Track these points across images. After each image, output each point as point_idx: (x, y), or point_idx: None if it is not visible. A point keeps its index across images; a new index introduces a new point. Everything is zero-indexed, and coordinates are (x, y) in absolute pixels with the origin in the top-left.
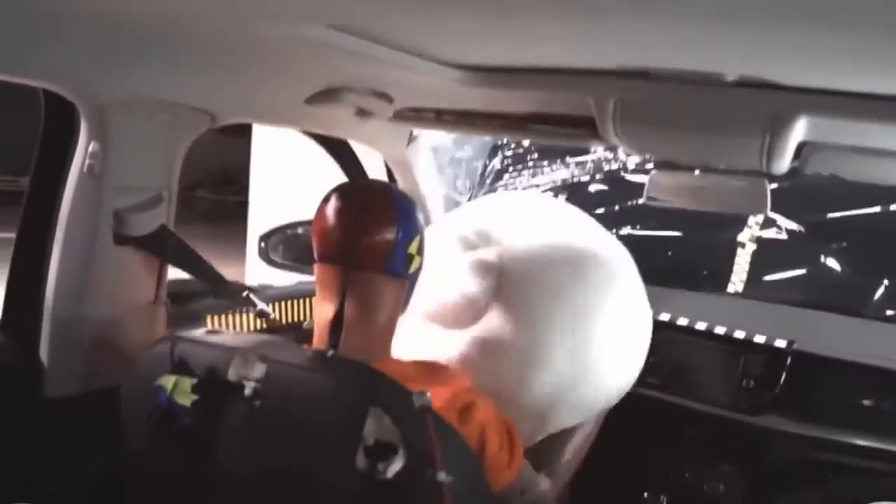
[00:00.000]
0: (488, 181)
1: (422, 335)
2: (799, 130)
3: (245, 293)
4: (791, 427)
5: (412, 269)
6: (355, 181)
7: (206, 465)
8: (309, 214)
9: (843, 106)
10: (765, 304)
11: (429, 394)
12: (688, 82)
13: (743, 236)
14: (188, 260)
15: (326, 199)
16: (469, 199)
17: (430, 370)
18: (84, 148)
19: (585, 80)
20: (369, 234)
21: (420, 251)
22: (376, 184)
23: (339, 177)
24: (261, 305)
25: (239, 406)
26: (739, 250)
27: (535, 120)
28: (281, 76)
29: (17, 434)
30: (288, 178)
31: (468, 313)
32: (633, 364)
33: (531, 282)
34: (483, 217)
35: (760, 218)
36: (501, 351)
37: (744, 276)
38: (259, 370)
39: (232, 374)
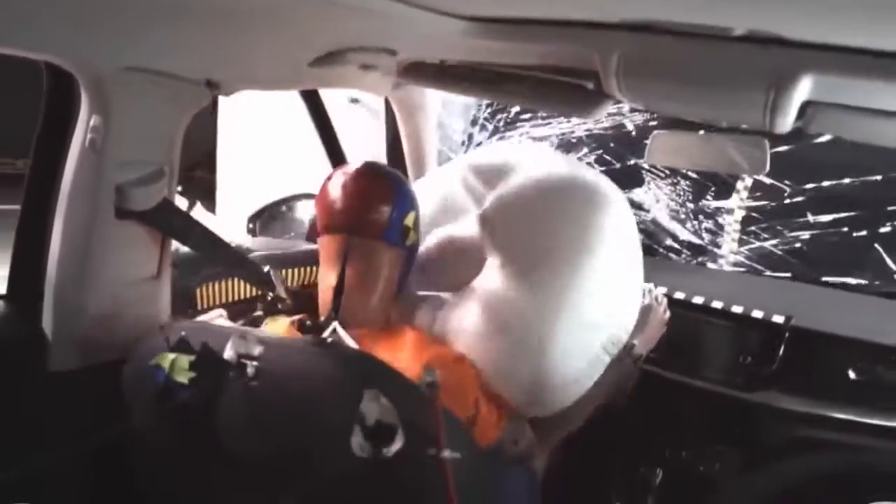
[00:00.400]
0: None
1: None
2: (803, 88)
3: (266, 269)
4: (788, 403)
5: (409, 242)
6: (354, 164)
7: (205, 442)
8: (277, 189)
9: (849, 64)
10: (761, 279)
11: (437, 372)
12: (693, 36)
13: (731, 202)
14: (193, 234)
15: (329, 178)
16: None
17: (420, 340)
18: (85, 122)
19: (589, 33)
20: (368, 204)
21: (415, 227)
22: (373, 164)
23: (297, 156)
24: (279, 288)
25: (235, 384)
26: (727, 217)
27: (537, 72)
28: (285, 41)
29: (20, 407)
30: (253, 155)
31: (470, 270)
32: (631, 304)
33: (518, 224)
34: (478, 167)
35: (749, 182)
36: (496, 300)
37: (734, 245)
38: (256, 350)
39: (229, 353)
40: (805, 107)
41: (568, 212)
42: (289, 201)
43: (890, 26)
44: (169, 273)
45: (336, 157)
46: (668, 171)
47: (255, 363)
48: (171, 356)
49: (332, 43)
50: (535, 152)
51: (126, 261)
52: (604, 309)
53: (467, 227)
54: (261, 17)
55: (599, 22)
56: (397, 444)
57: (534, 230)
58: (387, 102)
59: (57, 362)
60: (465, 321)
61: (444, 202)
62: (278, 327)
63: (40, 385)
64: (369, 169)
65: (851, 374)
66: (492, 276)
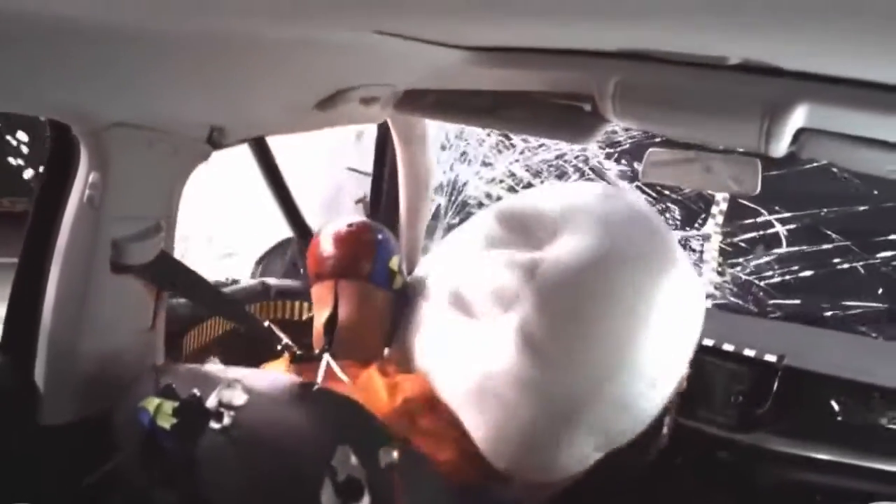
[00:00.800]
0: None
1: (446, 318)
2: (798, 117)
3: (266, 323)
4: (781, 445)
5: (396, 286)
6: (338, 219)
7: (185, 490)
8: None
9: (843, 94)
10: (754, 319)
11: (395, 452)
12: (689, 65)
13: (707, 228)
14: (192, 288)
15: (318, 234)
16: None
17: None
18: (84, 178)
19: (586, 60)
20: (353, 250)
21: (401, 271)
22: (356, 217)
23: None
24: (285, 339)
25: (215, 434)
26: (706, 244)
27: (533, 111)
28: (286, 87)
29: (10, 460)
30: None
31: (497, 305)
32: (675, 378)
33: (568, 297)
34: (533, 206)
35: (725, 206)
36: (526, 345)
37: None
38: (241, 399)
39: (212, 401)
40: (799, 133)
41: (625, 288)
42: (287, 243)
43: (882, 59)
44: (163, 324)
45: (290, 209)
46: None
47: (232, 413)
48: (157, 401)
49: (334, 84)
50: (592, 199)
51: (121, 313)
52: (644, 389)
53: (506, 268)
54: (261, 64)
55: (596, 50)
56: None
57: (585, 308)
58: (379, 130)
59: (49, 415)
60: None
61: (487, 238)
62: (277, 364)
63: (31, 437)
64: (352, 221)
65: (843, 414)
66: (524, 338)
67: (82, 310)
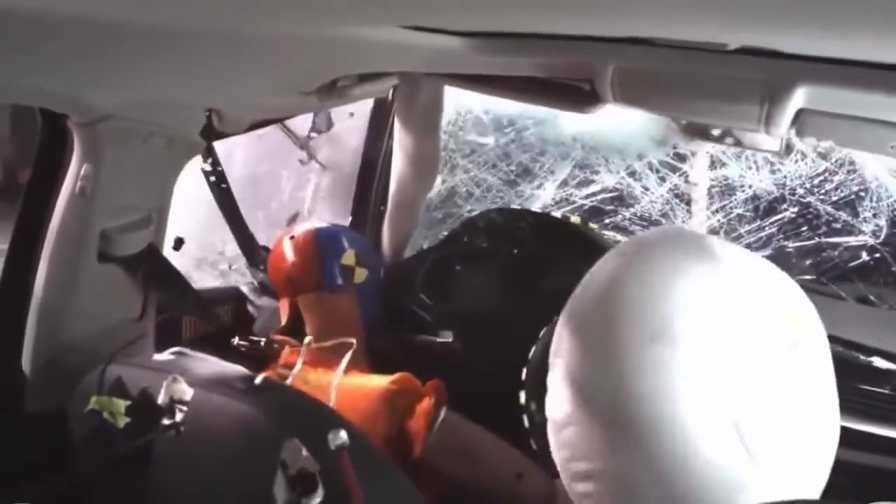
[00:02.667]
0: None
1: None
2: (797, 99)
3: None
4: None
5: (358, 280)
6: (280, 234)
7: (142, 490)
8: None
9: (842, 75)
10: None
11: (343, 432)
12: (687, 49)
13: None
14: (169, 285)
15: (271, 251)
16: None
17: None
18: (76, 169)
19: (585, 45)
20: (295, 265)
21: (360, 262)
22: (296, 228)
23: None
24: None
25: (167, 430)
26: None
27: (534, 82)
28: (284, 75)
29: None
30: None
31: None
32: None
33: None
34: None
35: None
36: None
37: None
38: (187, 394)
39: (163, 398)
40: (799, 113)
41: None
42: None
43: (882, 39)
44: (153, 315)
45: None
46: None
47: (184, 408)
48: (107, 399)
49: (332, 71)
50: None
51: (109, 303)
52: None
53: None
54: (260, 53)
55: (595, 36)
56: (318, 497)
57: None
58: (374, 105)
59: (34, 402)
60: None
61: None
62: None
63: (18, 425)
64: (291, 233)
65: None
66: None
67: (71, 298)
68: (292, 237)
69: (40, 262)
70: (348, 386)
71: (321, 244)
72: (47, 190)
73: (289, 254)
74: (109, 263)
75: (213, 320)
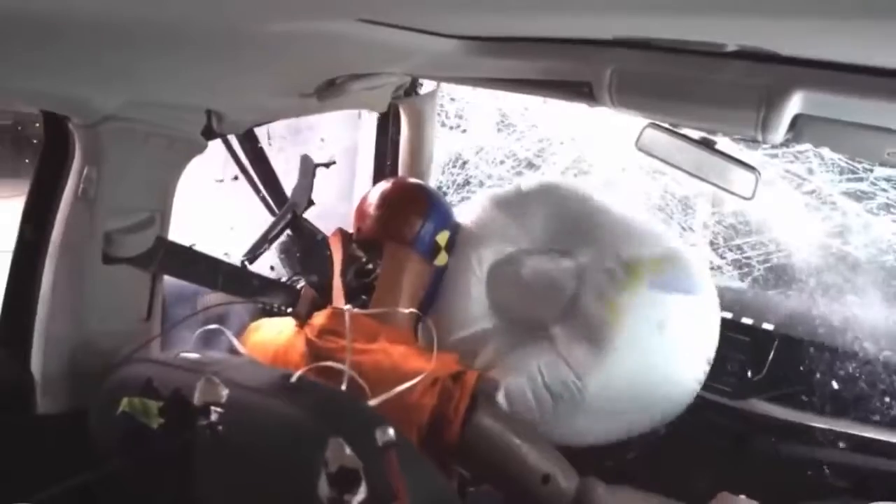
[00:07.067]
0: None
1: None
2: (794, 104)
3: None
4: (776, 412)
5: (438, 261)
6: (395, 178)
7: (177, 491)
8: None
9: (840, 81)
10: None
11: (391, 430)
12: (684, 52)
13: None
14: (196, 269)
15: (371, 190)
16: None
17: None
18: (79, 171)
19: (582, 49)
20: (402, 211)
21: (448, 248)
22: (413, 180)
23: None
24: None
25: (204, 431)
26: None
27: (533, 84)
28: (283, 76)
29: (7, 449)
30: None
31: (551, 310)
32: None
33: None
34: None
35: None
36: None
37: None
38: (223, 394)
39: (198, 398)
40: (796, 119)
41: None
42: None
43: (877, 45)
44: (160, 315)
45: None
46: None
47: (220, 409)
48: (138, 401)
49: (331, 72)
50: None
51: (115, 304)
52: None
53: (562, 269)
54: (258, 54)
55: (592, 39)
56: (361, 495)
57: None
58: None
59: (45, 404)
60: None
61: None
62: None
63: (28, 428)
64: (408, 182)
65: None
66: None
67: (77, 300)
68: (403, 185)
69: (45, 265)
70: (389, 361)
71: (431, 210)
72: (50, 193)
73: (396, 200)
74: (115, 265)
75: (252, 293)
